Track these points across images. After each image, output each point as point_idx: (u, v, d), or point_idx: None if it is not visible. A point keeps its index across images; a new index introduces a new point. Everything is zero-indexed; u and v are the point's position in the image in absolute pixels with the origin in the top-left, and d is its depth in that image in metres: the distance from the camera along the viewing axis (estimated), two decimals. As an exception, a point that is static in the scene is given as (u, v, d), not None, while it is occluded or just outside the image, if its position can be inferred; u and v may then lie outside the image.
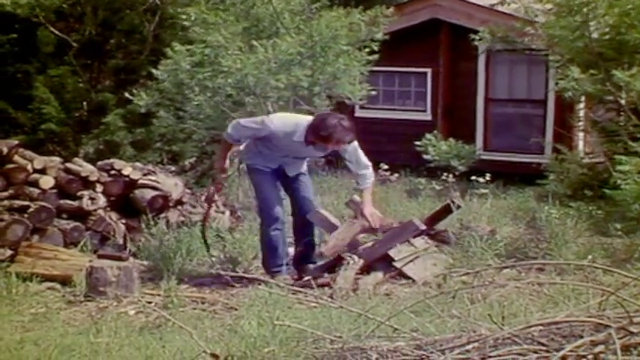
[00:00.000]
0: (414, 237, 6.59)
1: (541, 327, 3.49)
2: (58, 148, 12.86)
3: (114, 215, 7.68)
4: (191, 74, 9.48)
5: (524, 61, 11.68)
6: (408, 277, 6.32)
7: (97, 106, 13.63)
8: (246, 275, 6.30)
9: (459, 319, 4.01)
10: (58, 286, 6.42)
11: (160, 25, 13.97)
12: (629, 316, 3.37)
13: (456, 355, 3.32)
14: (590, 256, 6.66)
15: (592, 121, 9.92)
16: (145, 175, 8.05)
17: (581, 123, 10.48)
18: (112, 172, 7.91)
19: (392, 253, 6.45)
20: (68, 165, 7.75)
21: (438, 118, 12.36)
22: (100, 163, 8.27)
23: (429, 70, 12.44)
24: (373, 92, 10.21)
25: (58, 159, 7.97)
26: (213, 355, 4.03)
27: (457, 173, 10.39)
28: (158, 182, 7.99)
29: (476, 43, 10.66)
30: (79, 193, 7.51)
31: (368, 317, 4.12)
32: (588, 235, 7.50)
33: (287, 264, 6.51)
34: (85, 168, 7.79)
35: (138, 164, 8.68)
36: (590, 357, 3.17)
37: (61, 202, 7.42)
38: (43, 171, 7.46)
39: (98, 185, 7.67)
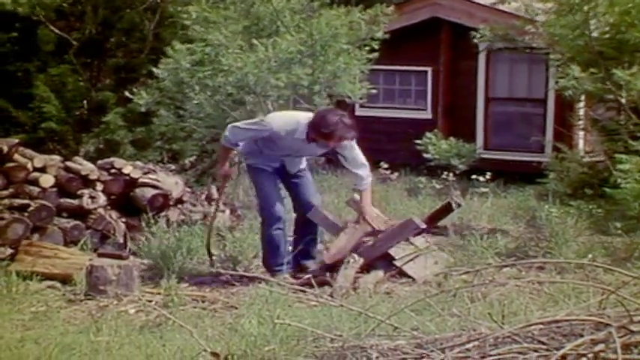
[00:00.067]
0: (414, 236, 6.58)
1: (541, 326, 3.49)
2: (59, 147, 12.87)
3: (114, 214, 7.68)
4: (191, 73, 9.48)
5: (524, 59, 11.67)
6: (408, 276, 6.32)
7: (97, 105, 13.65)
8: (247, 274, 6.30)
9: (459, 317, 4.02)
10: (58, 284, 6.42)
11: (160, 23, 13.99)
12: (629, 314, 3.37)
13: (456, 353, 3.32)
14: (590, 255, 6.66)
15: (592, 120, 9.91)
16: (145, 173, 8.05)
17: (581, 122, 10.47)
18: (113, 170, 7.90)
19: (392, 251, 6.45)
20: (68, 164, 7.75)
21: (438, 116, 12.35)
22: (100, 161, 8.27)
23: (429, 69, 12.44)
24: (373, 91, 10.22)
25: (58, 157, 7.97)
26: (214, 354, 4.03)
27: (457, 172, 10.38)
28: (158, 181, 7.99)
29: (476, 41, 10.65)
30: (79, 192, 7.51)
31: (368, 316, 4.12)
32: (588, 234, 7.50)
33: (287, 262, 6.51)
34: (86, 167, 7.79)
35: (138, 163, 8.68)
36: (590, 356, 3.17)
37: (62, 200, 7.42)
38: (43, 170, 7.46)
39: (98, 184, 7.66)
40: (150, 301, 5.80)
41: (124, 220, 7.68)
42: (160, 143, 12.79)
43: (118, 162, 8.11)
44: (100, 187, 7.66)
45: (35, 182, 7.35)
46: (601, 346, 3.20)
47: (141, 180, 7.91)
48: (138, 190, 7.84)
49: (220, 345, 4.28)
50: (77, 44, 13.98)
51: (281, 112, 7.06)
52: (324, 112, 6.38)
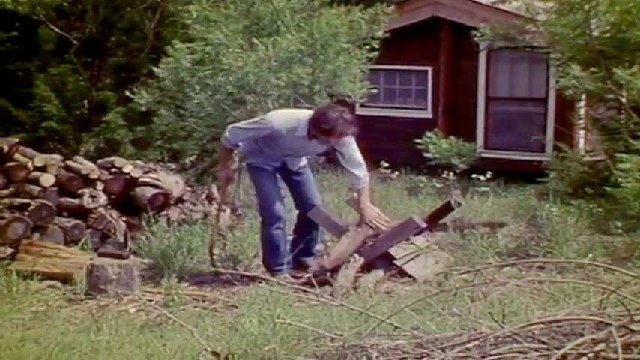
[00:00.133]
0: (415, 235, 6.58)
1: (542, 325, 3.49)
2: (59, 146, 12.88)
3: (114, 213, 7.68)
4: (192, 72, 9.48)
5: (525, 59, 11.66)
6: (408, 275, 6.32)
7: (97, 104, 13.67)
8: (247, 273, 6.29)
9: (459, 317, 4.02)
10: (58, 284, 6.42)
11: (160, 22, 14.00)
12: (629, 314, 3.36)
13: (456, 353, 3.32)
14: (590, 254, 6.65)
15: (593, 119, 9.91)
16: (145, 173, 8.05)
17: (581, 121, 10.47)
18: (113, 170, 7.91)
19: (392, 251, 6.44)
20: (69, 163, 7.76)
21: (438, 116, 12.35)
22: (100, 161, 8.27)
23: (429, 68, 12.43)
24: (374, 90, 10.22)
25: (58, 157, 7.97)
26: (214, 353, 4.03)
27: (458, 171, 10.38)
28: (159, 180, 7.99)
29: (477, 40, 10.65)
30: (79, 191, 7.51)
31: (369, 315, 4.11)
32: (589, 234, 7.50)
33: (287, 262, 6.50)
34: (86, 166, 7.79)
35: (139, 162, 8.69)
36: (590, 355, 3.17)
37: (62, 200, 7.43)
38: (43, 169, 7.46)
39: (99, 183, 7.67)
40: (150, 301, 5.80)
41: (124, 219, 7.68)
42: (161, 142, 12.80)
43: (118, 161, 8.11)
44: (100, 186, 7.67)
45: (36, 181, 7.35)
46: (601, 346, 3.19)
47: (141, 179, 7.91)
48: (138, 190, 7.84)
49: (221, 344, 4.28)
50: (77, 43, 13.99)
51: (281, 110, 7.05)
52: (324, 109, 6.35)
